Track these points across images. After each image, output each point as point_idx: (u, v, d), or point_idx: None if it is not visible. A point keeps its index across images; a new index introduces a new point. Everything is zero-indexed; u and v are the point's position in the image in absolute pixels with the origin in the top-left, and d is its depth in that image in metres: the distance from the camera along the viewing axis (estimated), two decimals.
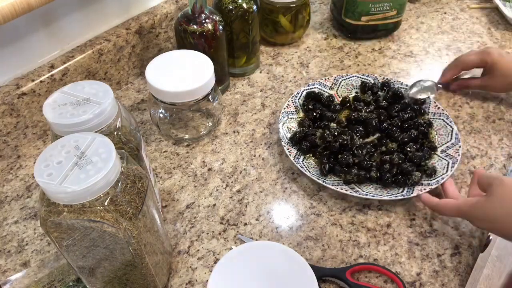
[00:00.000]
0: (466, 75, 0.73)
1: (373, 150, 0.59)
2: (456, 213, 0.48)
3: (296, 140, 0.61)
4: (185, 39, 0.64)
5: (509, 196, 0.44)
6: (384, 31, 0.83)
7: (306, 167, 0.57)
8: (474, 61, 0.65)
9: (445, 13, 0.89)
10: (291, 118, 0.65)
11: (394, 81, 0.69)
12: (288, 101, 0.66)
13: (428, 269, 0.49)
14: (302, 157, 0.59)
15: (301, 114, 0.66)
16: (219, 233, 0.53)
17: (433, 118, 0.63)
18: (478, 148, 0.62)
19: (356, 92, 0.69)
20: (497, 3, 0.87)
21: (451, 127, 0.61)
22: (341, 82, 0.70)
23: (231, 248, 0.51)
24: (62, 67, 0.62)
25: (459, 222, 0.53)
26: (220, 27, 0.64)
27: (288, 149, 0.59)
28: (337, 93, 0.69)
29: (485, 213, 0.44)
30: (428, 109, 0.65)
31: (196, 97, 0.58)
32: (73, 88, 0.42)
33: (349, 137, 0.59)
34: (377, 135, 0.61)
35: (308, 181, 0.59)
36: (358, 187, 0.56)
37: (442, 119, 0.63)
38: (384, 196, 0.54)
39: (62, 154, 0.34)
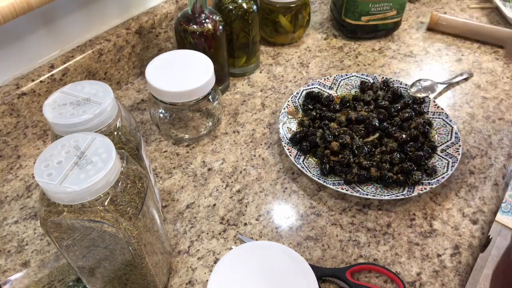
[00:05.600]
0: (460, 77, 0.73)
1: (373, 149, 0.59)
2: None
3: (296, 140, 0.61)
4: (185, 39, 0.64)
5: None
6: (384, 31, 0.83)
7: (306, 167, 0.57)
8: None
9: (445, 13, 0.89)
10: (291, 118, 0.65)
11: (394, 81, 0.69)
12: (288, 101, 0.66)
13: (428, 269, 0.49)
14: (302, 157, 0.59)
15: (301, 114, 0.66)
16: (219, 233, 0.53)
17: (433, 118, 0.63)
18: (478, 148, 0.62)
19: (356, 92, 0.69)
20: (497, 3, 0.87)
21: (451, 126, 0.61)
22: (340, 82, 0.70)
23: (231, 248, 0.51)
24: (62, 67, 0.62)
25: (459, 222, 0.53)
26: (220, 27, 0.64)
27: (288, 149, 0.59)
28: (336, 93, 0.69)
29: None
30: (428, 109, 0.65)
31: (196, 97, 0.58)
32: (73, 88, 0.42)
33: (349, 137, 0.59)
34: (377, 134, 0.61)
35: (308, 181, 0.59)
36: (358, 186, 0.56)
37: (442, 118, 0.63)
38: (384, 195, 0.54)
39: (62, 154, 0.34)
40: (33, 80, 0.60)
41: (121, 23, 0.70)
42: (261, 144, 0.64)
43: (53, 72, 0.61)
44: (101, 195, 0.34)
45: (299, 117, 0.66)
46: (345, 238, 0.52)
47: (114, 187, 0.35)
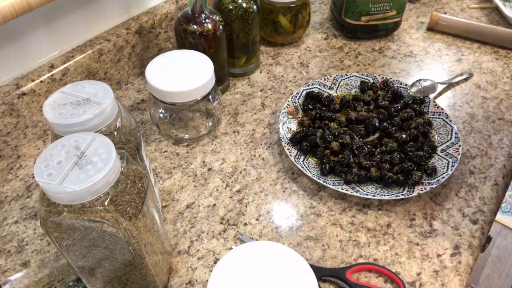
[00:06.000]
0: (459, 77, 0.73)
1: (373, 149, 0.59)
2: None
3: (296, 140, 0.61)
4: (185, 39, 0.64)
5: None
6: (384, 31, 0.83)
7: (306, 167, 0.57)
8: None
9: (445, 13, 0.89)
10: (291, 118, 0.65)
11: (394, 81, 0.69)
12: (288, 101, 0.66)
13: (428, 269, 0.49)
14: (302, 157, 0.59)
15: (301, 114, 0.66)
16: (219, 233, 0.53)
17: (433, 118, 0.64)
18: (478, 148, 0.62)
19: (356, 92, 0.69)
20: (497, 3, 0.87)
21: (451, 126, 0.61)
22: (340, 82, 0.70)
23: (231, 248, 0.51)
24: (62, 67, 0.62)
25: (459, 222, 0.53)
26: (220, 27, 0.64)
27: (288, 149, 0.59)
28: (336, 93, 0.69)
29: None
30: (428, 109, 0.65)
31: (196, 97, 0.58)
32: (73, 88, 0.42)
33: (349, 137, 0.59)
34: (377, 134, 0.61)
35: (308, 181, 0.59)
36: (358, 186, 0.56)
37: (442, 118, 0.63)
38: (384, 195, 0.54)
39: (62, 154, 0.34)
40: (33, 80, 0.60)
41: (121, 23, 0.70)
42: (261, 144, 0.64)
43: (53, 72, 0.61)
44: (101, 195, 0.34)
45: (299, 117, 0.66)
46: (345, 238, 0.52)
47: (114, 187, 0.35)
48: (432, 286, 0.47)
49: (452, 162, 0.56)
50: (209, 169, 0.60)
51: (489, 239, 0.55)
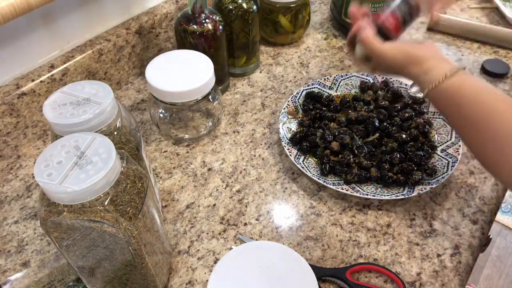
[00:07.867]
0: None
1: (374, 149, 0.59)
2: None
3: (296, 140, 0.61)
4: (185, 39, 0.64)
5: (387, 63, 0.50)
6: None
7: (306, 167, 0.57)
8: None
9: (445, 13, 0.89)
10: (291, 118, 0.65)
11: (394, 81, 0.69)
12: (288, 101, 0.66)
13: (428, 269, 0.49)
14: (302, 157, 0.59)
15: (301, 114, 0.66)
16: (219, 233, 0.53)
17: (433, 118, 0.63)
18: None
19: (356, 92, 0.69)
20: (497, 3, 0.87)
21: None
22: (340, 82, 0.70)
23: (231, 248, 0.51)
24: (62, 67, 0.62)
25: (459, 222, 0.53)
26: (220, 27, 0.64)
27: (288, 149, 0.59)
28: (336, 93, 0.69)
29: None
30: (428, 109, 0.65)
31: (196, 97, 0.58)
32: (73, 88, 0.42)
33: (349, 137, 0.59)
34: (377, 134, 0.61)
35: (308, 181, 0.59)
36: (358, 186, 0.56)
37: (442, 118, 0.63)
38: (384, 195, 0.54)
39: (62, 154, 0.34)
40: (33, 80, 0.60)
41: (121, 23, 0.70)
42: (261, 144, 0.64)
43: (53, 72, 0.61)
44: (101, 195, 0.34)
45: (299, 117, 0.66)
46: (345, 238, 0.52)
47: (114, 187, 0.35)
48: (432, 286, 0.47)
49: (452, 162, 0.56)
50: (209, 169, 0.60)
51: (489, 239, 0.55)
